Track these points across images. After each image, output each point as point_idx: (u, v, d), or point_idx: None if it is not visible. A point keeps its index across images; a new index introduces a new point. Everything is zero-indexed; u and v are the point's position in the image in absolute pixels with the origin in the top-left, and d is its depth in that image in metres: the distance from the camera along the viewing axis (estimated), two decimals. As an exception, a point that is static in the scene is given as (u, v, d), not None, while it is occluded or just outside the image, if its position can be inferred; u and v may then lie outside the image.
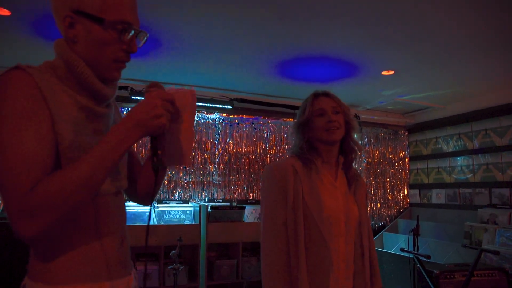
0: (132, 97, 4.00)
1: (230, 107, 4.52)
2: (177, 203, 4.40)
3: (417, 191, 5.61)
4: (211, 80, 4.23)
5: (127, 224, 1.17)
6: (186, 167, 4.51)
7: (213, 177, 4.68)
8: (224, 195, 4.70)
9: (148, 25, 2.72)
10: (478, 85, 4.28)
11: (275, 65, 3.69)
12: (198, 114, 4.65)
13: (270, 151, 4.98)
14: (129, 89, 4.01)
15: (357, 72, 3.86)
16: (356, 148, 1.62)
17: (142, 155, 4.22)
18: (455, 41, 3.08)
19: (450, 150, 5.10)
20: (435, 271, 3.07)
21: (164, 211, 4.23)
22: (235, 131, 4.85)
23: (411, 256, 3.04)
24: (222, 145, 4.75)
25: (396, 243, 4.79)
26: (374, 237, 5.03)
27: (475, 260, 2.83)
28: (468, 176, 4.82)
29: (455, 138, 5.04)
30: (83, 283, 0.95)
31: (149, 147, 1.02)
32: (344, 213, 1.50)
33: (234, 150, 4.81)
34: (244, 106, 4.69)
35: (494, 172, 4.50)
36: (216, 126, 4.74)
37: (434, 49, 3.25)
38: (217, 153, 4.71)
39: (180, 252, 3.33)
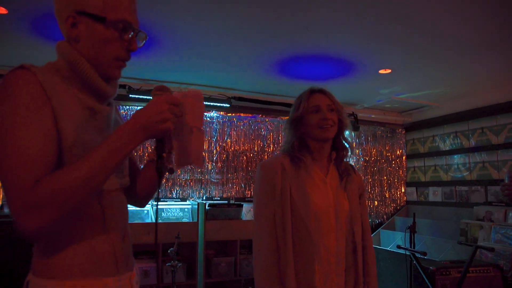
0: (130, 95, 4.00)
1: (228, 105, 4.53)
2: (175, 201, 4.41)
3: (414, 188, 5.65)
4: (209, 79, 4.24)
5: None
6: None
7: (211, 175, 4.69)
8: (222, 193, 4.72)
9: (146, 24, 2.73)
10: (474, 84, 4.30)
11: (273, 63, 3.70)
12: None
13: (268, 149, 5.00)
14: (127, 87, 4.01)
15: (354, 70, 3.88)
16: (347, 145, 1.63)
17: (145, 155, 4.23)
18: (452, 40, 3.10)
19: (447, 148, 5.13)
20: (431, 267, 3.09)
21: (162, 209, 4.25)
22: (233, 129, 4.86)
23: (407, 253, 3.06)
24: (220, 143, 4.77)
25: (393, 241, 4.82)
26: (372, 233, 5.07)
27: (470, 257, 2.86)
28: (465, 174, 4.85)
29: (451, 136, 5.08)
30: (87, 279, 0.97)
31: (153, 148, 1.04)
32: (334, 208, 1.51)
33: (232, 148, 4.83)
34: (242, 104, 4.71)
35: (490, 170, 4.54)
36: (214, 124, 4.76)
37: (431, 48, 3.27)
38: (215, 151, 4.73)
39: (178, 249, 3.35)
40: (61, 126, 0.92)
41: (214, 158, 4.71)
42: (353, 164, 5.72)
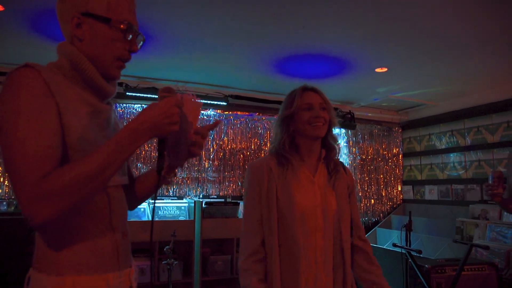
0: (127, 93, 3.99)
1: (225, 103, 4.53)
2: (171, 199, 4.41)
3: (410, 187, 5.67)
4: (206, 77, 4.23)
5: None
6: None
7: (208, 173, 4.70)
8: (219, 191, 4.72)
9: (143, 22, 2.71)
10: (470, 83, 4.32)
11: (270, 62, 3.70)
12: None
13: (265, 147, 5.00)
14: (124, 85, 4.00)
15: (351, 69, 3.88)
16: (335, 144, 1.64)
17: (151, 154, 4.23)
18: (448, 40, 3.12)
19: (443, 147, 5.15)
20: (426, 265, 3.11)
21: (158, 207, 4.25)
22: (229, 128, 4.86)
23: (403, 251, 3.08)
24: (217, 142, 4.77)
25: (389, 239, 4.84)
26: (367, 233, 5.09)
27: (465, 255, 2.87)
28: (460, 172, 4.88)
29: (447, 135, 5.10)
30: (88, 274, 0.99)
31: (156, 146, 1.08)
32: (321, 208, 1.51)
33: (229, 147, 4.83)
34: (239, 102, 4.70)
35: (486, 169, 4.56)
36: (211, 123, 4.74)
37: (427, 47, 3.29)
38: (211, 149, 4.73)
39: (175, 248, 3.35)
40: (65, 122, 0.95)
41: (211, 156, 4.71)
42: (349, 162, 5.75)
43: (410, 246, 3.20)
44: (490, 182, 2.41)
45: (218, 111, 4.78)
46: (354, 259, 1.61)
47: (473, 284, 3.06)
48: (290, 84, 4.38)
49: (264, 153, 5.00)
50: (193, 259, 4.01)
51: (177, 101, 1.00)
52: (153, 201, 1.10)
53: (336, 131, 5.49)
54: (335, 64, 3.77)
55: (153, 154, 4.39)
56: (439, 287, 3.02)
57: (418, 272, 2.95)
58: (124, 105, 4.31)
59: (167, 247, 3.24)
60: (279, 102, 4.74)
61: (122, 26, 1.05)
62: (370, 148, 5.76)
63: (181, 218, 4.29)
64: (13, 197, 3.78)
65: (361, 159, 5.68)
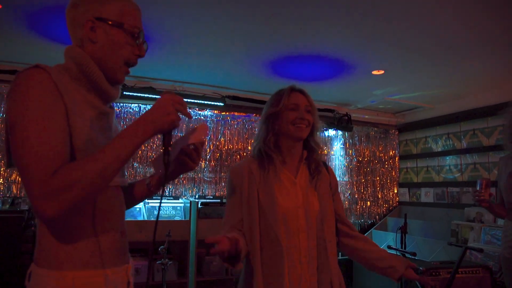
0: (125, 92, 3.99)
1: (222, 104, 4.53)
2: (167, 199, 4.41)
3: (406, 189, 5.68)
4: (203, 77, 4.23)
5: None
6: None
7: (204, 173, 4.69)
8: (215, 192, 4.72)
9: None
10: (466, 86, 4.34)
11: (267, 63, 3.71)
12: (190, 110, 4.65)
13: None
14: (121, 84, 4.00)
15: (348, 71, 3.89)
16: (317, 148, 1.64)
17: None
18: (445, 43, 3.13)
19: (439, 149, 5.16)
20: (420, 268, 3.11)
21: (154, 207, 4.24)
22: (226, 128, 4.87)
23: (397, 253, 3.08)
24: (214, 142, 4.77)
25: (385, 241, 4.84)
26: (364, 234, 5.10)
27: (459, 258, 2.87)
28: (456, 175, 4.89)
29: (444, 138, 5.11)
30: (87, 270, 1.03)
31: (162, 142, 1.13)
32: (303, 208, 1.51)
33: (226, 147, 4.83)
34: (236, 103, 4.71)
35: (481, 172, 4.57)
36: (208, 123, 4.76)
37: (424, 50, 3.30)
38: (208, 149, 4.73)
39: (170, 248, 3.34)
40: (71, 122, 0.99)
41: (208, 157, 4.71)
42: (346, 164, 5.75)
43: (405, 248, 3.20)
44: (478, 188, 2.48)
45: (215, 111, 4.78)
46: (356, 247, 1.63)
47: (467, 287, 3.07)
48: (287, 85, 4.40)
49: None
50: (188, 260, 4.01)
51: (173, 96, 1.05)
52: (158, 201, 1.13)
53: (332, 132, 5.50)
54: (332, 66, 3.77)
55: (149, 154, 4.39)
56: (433, 290, 3.03)
57: (412, 274, 2.95)
58: (121, 104, 4.30)
59: (162, 247, 3.24)
60: (276, 103, 4.78)
61: (133, 30, 1.12)
62: (367, 150, 5.77)
63: (177, 218, 4.29)
64: (7, 195, 3.77)
65: (358, 161, 5.69)
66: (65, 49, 1.11)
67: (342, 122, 5.15)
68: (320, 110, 5.14)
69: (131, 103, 4.33)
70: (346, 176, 5.59)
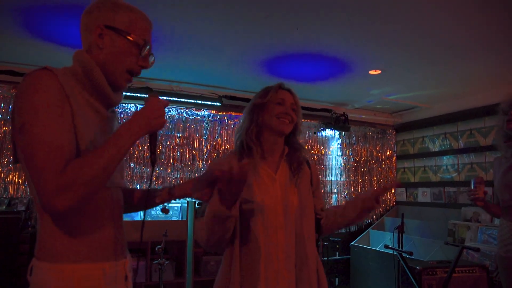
0: (121, 92, 3.98)
1: (219, 104, 4.53)
2: (165, 199, 4.39)
3: (403, 189, 5.69)
4: (200, 77, 4.23)
5: None
6: (174, 163, 4.52)
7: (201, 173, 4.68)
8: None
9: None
10: (463, 86, 4.35)
11: (264, 63, 3.71)
12: (187, 110, 4.66)
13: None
14: (117, 84, 4.00)
15: (345, 71, 3.89)
16: (300, 147, 1.64)
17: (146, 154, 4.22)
18: (442, 43, 3.13)
19: (436, 149, 5.17)
20: (417, 267, 3.12)
21: (153, 208, 4.23)
22: (223, 128, 4.86)
23: (395, 253, 3.09)
24: (211, 142, 4.76)
25: (382, 241, 4.85)
26: (361, 235, 5.10)
27: (456, 257, 2.88)
28: (453, 175, 4.90)
29: (441, 137, 5.12)
30: (86, 263, 1.08)
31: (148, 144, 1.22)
32: (282, 205, 1.51)
33: (223, 147, 4.83)
34: (233, 103, 4.70)
35: (478, 172, 4.59)
36: (205, 123, 4.75)
37: (421, 50, 3.30)
38: (205, 149, 4.72)
39: (167, 248, 3.34)
40: (76, 123, 1.04)
41: (205, 157, 4.71)
42: (343, 164, 5.74)
43: (402, 248, 3.21)
44: (472, 187, 2.50)
45: (212, 111, 4.78)
46: (330, 220, 1.66)
47: (464, 286, 3.08)
48: (284, 85, 4.41)
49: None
50: (185, 260, 4.00)
51: (162, 100, 1.14)
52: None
53: (329, 132, 5.50)
54: (330, 66, 3.78)
55: (146, 154, 4.38)
56: (430, 289, 3.04)
57: (409, 274, 2.96)
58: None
59: (159, 246, 3.23)
60: (273, 103, 4.78)
61: (139, 42, 1.16)
62: (364, 150, 5.78)
63: (174, 218, 4.28)
64: (4, 196, 3.76)
65: (355, 161, 5.69)
66: (74, 53, 1.16)
67: (339, 122, 5.15)
68: (317, 110, 5.16)
69: (128, 103, 4.33)
70: (343, 176, 5.60)
